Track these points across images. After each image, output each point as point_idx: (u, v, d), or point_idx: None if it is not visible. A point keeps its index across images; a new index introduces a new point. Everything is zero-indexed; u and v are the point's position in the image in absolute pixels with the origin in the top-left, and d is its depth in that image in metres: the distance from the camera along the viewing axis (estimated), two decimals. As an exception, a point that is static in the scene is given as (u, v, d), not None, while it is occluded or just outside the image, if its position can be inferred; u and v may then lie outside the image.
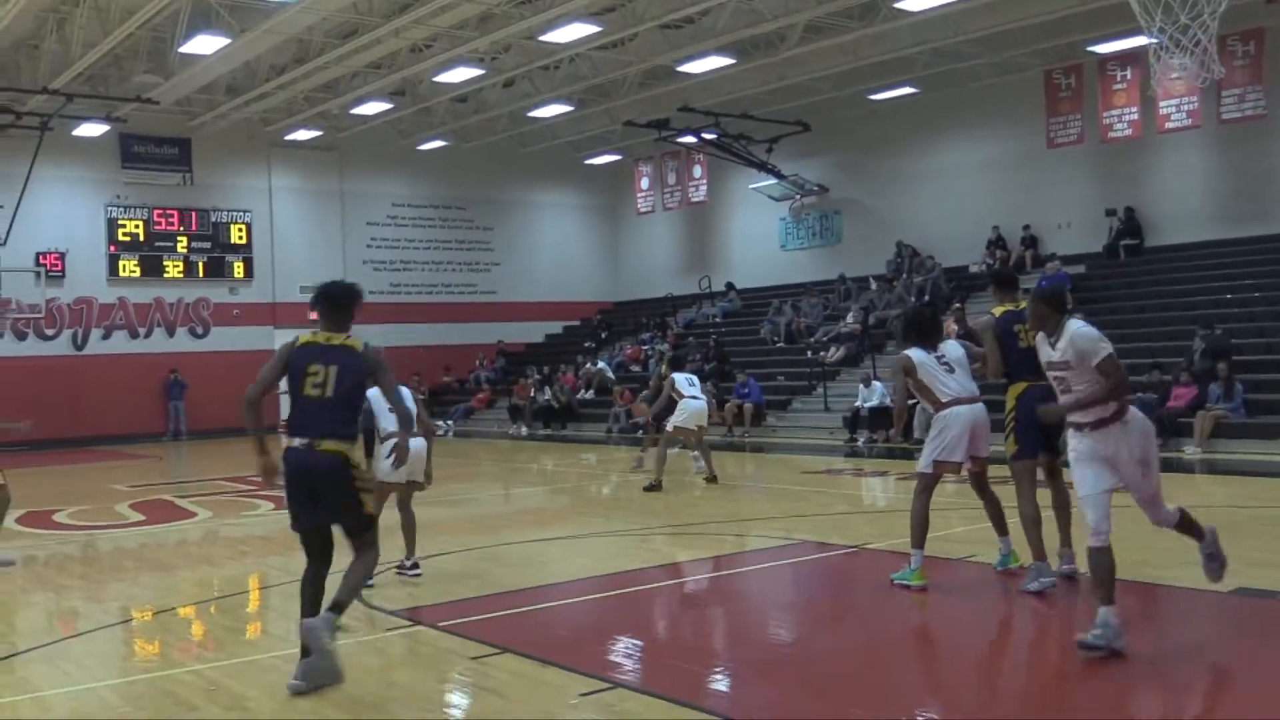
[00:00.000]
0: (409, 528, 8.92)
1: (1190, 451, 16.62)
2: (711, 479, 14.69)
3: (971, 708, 5.74)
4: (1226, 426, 16.57)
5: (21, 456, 24.63)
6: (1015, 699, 5.97)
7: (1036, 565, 7.71)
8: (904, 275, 26.62)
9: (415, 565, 8.91)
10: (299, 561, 6.27)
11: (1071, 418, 6.37)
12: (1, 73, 24.37)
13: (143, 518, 13.73)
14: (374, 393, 8.59)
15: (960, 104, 26.66)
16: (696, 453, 15.49)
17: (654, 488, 14.16)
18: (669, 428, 14.71)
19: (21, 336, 27.71)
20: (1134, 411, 6.35)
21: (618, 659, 6.70)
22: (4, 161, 26.24)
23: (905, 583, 7.93)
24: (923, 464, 8.05)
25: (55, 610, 8.71)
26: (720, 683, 6.26)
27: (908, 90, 26.70)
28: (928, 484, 8.04)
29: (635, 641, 7.15)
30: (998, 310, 8.02)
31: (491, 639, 6.90)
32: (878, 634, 7.22)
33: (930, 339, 8.16)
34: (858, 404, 21.15)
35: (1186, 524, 6.70)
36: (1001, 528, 8.26)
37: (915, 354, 8.03)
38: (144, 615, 8.31)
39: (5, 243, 26.53)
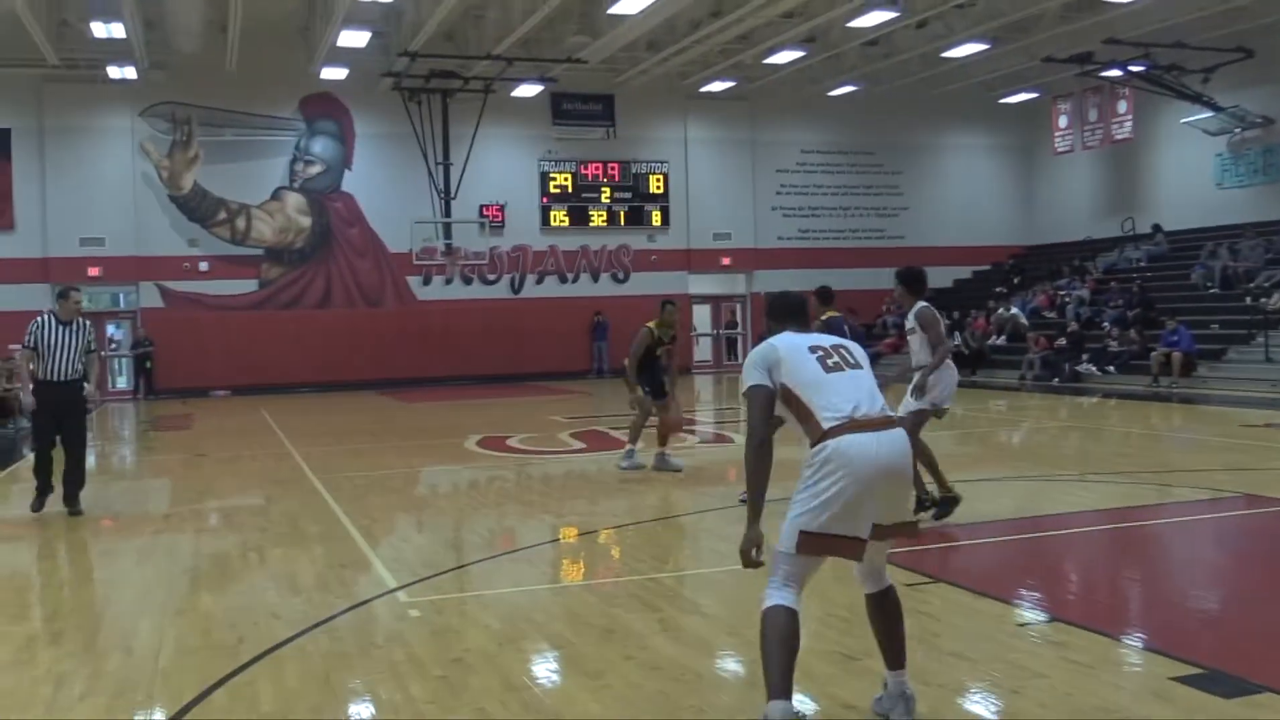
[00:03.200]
0: None
1: None
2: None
3: None
4: None
5: (469, 390, 27.40)
6: None
7: None
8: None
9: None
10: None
11: None
12: (451, 41, 26.79)
13: (584, 445, 15.11)
14: None
15: None
16: None
17: None
18: None
19: (468, 281, 30.61)
20: None
21: (1051, 596, 6.80)
22: (454, 123, 29.10)
23: None
24: None
25: (554, 523, 9.86)
26: (1158, 625, 6.24)
27: (1374, 6, 23.96)
28: None
29: (1066, 581, 7.20)
30: None
31: (924, 569, 7.18)
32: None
33: None
34: (1305, 354, 19.49)
35: None
36: None
37: None
38: (608, 531, 9.23)
39: (456, 196, 29.37)
